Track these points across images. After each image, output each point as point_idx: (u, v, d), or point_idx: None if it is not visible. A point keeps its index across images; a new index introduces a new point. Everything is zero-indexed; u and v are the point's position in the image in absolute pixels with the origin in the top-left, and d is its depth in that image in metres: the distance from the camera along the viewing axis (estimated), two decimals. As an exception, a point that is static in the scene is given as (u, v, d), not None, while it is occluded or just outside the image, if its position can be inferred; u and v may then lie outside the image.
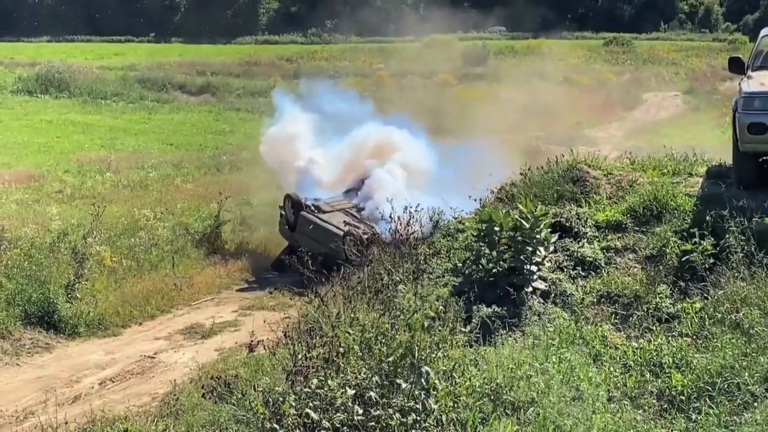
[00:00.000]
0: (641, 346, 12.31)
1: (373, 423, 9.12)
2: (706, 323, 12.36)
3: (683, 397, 10.87)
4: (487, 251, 13.74)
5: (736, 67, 16.34)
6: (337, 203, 26.28)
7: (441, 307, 11.66)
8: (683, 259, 13.90)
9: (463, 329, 11.84)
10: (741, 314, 12.06)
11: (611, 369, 11.68)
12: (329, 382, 9.35)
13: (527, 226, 13.45)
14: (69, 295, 19.74)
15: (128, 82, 65.61)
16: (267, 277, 25.09)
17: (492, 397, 10.22)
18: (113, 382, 16.81)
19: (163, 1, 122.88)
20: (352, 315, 11.26)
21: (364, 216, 25.10)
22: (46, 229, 23.41)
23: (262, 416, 9.45)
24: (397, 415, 9.19)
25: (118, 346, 18.91)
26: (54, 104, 56.87)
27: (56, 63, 67.21)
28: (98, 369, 17.45)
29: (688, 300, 13.15)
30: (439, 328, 10.89)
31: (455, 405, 9.83)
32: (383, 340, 10.17)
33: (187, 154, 40.86)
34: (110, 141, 43.63)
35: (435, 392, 9.56)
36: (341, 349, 10.08)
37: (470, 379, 10.42)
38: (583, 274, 14.37)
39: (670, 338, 12.33)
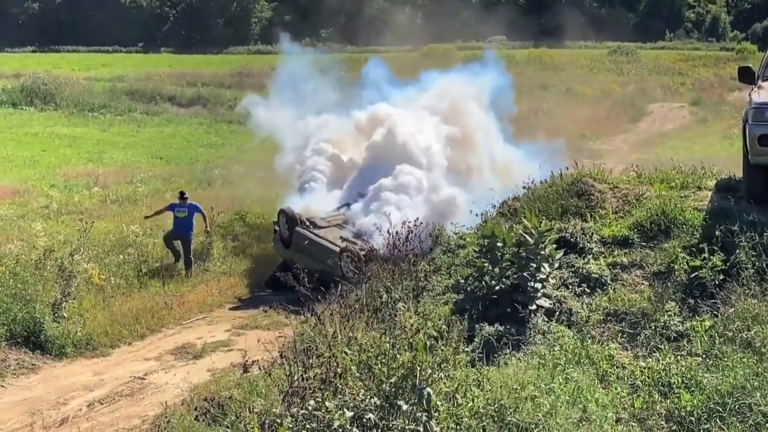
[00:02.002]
0: (649, 365, 12.01)
1: (373, 446, 8.84)
2: (717, 342, 12.06)
3: (693, 419, 10.59)
4: (489, 268, 13.43)
5: (746, 76, 16.10)
6: (333, 218, 25.92)
7: (444, 326, 11.39)
8: (692, 275, 13.63)
9: (465, 348, 11.58)
10: (752, 332, 11.81)
11: (619, 389, 11.41)
12: (327, 403, 9.18)
13: (531, 241, 13.19)
14: (56, 314, 19.42)
15: (116, 93, 65.14)
16: (261, 295, 24.79)
17: (496, 419, 9.99)
18: (102, 404, 16.44)
19: (152, 11, 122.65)
20: (350, 334, 10.98)
21: (359, 232, 24.65)
22: (32, 246, 23.05)
23: (257, 439, 9.15)
24: (398, 438, 8.89)
25: (107, 367, 18.55)
26: (39, 117, 56.51)
27: (42, 74, 66.70)
28: (86, 390, 17.08)
29: (697, 318, 12.85)
30: (442, 347, 10.61)
31: (458, 427, 9.63)
32: (383, 360, 9.92)
33: (178, 167, 40.51)
34: (98, 154, 43.27)
35: (437, 414, 9.40)
36: (339, 370, 9.83)
37: (473, 400, 10.19)
38: (588, 291, 14.09)
39: (679, 357, 12.04)
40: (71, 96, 62.12)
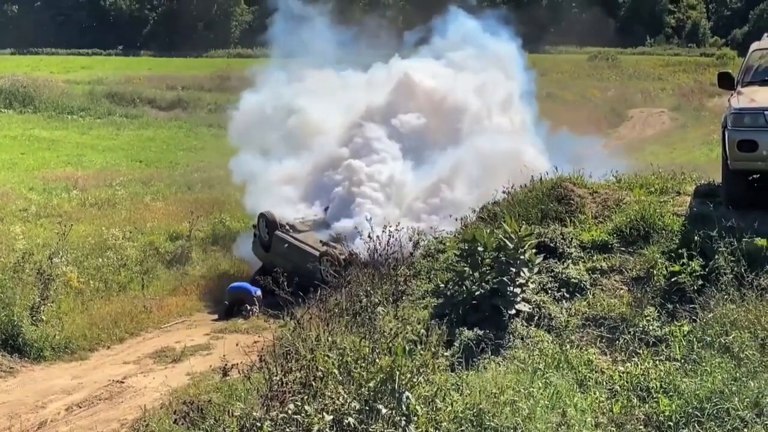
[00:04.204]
0: (628, 370, 12.04)
1: (351, 450, 8.83)
2: (695, 347, 12.11)
3: (671, 423, 10.66)
4: (470, 272, 13.43)
5: (726, 82, 16.14)
6: (313, 222, 25.84)
7: (423, 331, 11.40)
8: (671, 280, 13.66)
9: (445, 353, 11.59)
10: (731, 337, 11.88)
11: (597, 394, 11.43)
12: (306, 407, 9.19)
13: (511, 246, 13.19)
14: (34, 318, 19.31)
15: (95, 96, 64.57)
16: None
17: (475, 423, 10.04)
18: (80, 407, 16.37)
19: (131, 13, 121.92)
20: (330, 338, 10.96)
21: (339, 235, 24.54)
22: (11, 249, 22.97)
23: (237, 443, 9.12)
24: (377, 441, 8.88)
25: (86, 371, 18.49)
26: (18, 119, 56.07)
27: (20, 76, 66.07)
28: (65, 394, 17.01)
29: (676, 323, 12.87)
30: (421, 351, 10.62)
31: (437, 431, 9.46)
32: (363, 365, 9.91)
33: (157, 171, 40.38)
34: (77, 158, 43.04)
35: (416, 418, 9.43)
36: (319, 373, 9.81)
37: (452, 404, 10.26)
38: (568, 296, 14.06)
39: (657, 362, 12.08)
40: (50, 99, 61.64)
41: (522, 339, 12.65)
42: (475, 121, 28.54)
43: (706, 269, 13.44)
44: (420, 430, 9.32)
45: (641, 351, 12.41)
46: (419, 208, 25.33)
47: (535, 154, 26.02)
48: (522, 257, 13.31)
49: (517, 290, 13.28)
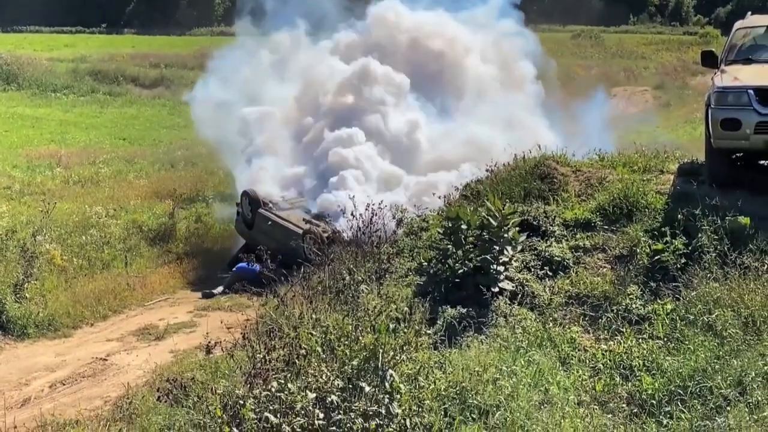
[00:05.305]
0: (611, 348, 12.07)
1: (334, 428, 8.90)
2: (678, 325, 12.14)
3: (654, 401, 10.67)
4: (453, 250, 13.43)
5: (709, 61, 16.15)
6: (297, 200, 25.78)
7: (406, 309, 11.41)
8: (654, 258, 13.67)
9: (428, 331, 11.60)
10: (714, 316, 11.91)
11: (580, 372, 11.44)
12: (289, 385, 9.14)
13: (494, 224, 13.17)
14: (18, 295, 19.31)
15: (79, 74, 64.15)
16: (223, 277, 24.60)
17: (458, 401, 10.05)
18: (64, 385, 16.36)
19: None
20: (314, 316, 10.96)
21: (322, 213, 24.49)
22: (-6, 227, 22.86)
23: (220, 420, 9.18)
24: (360, 419, 8.97)
25: (69, 348, 18.46)
26: (1, 97, 55.68)
27: (3, 54, 65.49)
28: (48, 371, 17.00)
29: (659, 301, 12.89)
30: (404, 329, 10.62)
31: (420, 409, 9.64)
32: (346, 342, 9.92)
33: (141, 149, 40.27)
34: (60, 135, 42.89)
35: (399, 396, 9.36)
36: (302, 351, 9.80)
37: (435, 382, 10.27)
38: (551, 274, 14.08)
39: (640, 340, 12.11)
40: (34, 76, 61.26)
41: (505, 317, 12.63)
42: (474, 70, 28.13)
43: (689, 248, 13.48)
44: (403, 407, 9.27)
45: (624, 329, 12.43)
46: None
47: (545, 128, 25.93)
48: (505, 235, 13.30)
49: (500, 268, 13.28)
